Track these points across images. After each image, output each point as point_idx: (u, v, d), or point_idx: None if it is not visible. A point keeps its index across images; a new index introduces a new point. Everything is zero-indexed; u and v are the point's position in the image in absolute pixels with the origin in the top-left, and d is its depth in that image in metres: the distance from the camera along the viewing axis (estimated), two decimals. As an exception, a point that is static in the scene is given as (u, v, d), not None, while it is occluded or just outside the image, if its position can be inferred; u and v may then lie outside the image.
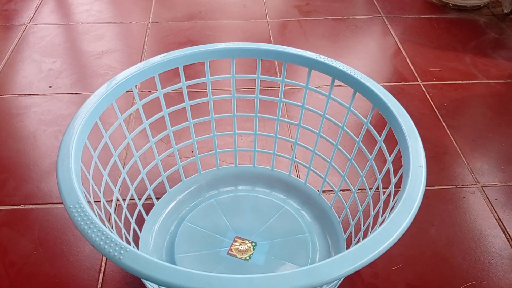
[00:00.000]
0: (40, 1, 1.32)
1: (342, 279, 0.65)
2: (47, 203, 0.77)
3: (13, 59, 1.10)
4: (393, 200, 0.54)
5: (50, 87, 1.02)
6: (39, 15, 1.27)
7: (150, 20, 1.26)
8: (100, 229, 0.42)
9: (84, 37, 1.19)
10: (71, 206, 0.45)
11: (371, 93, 0.59)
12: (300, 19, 1.28)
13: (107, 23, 1.25)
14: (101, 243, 0.41)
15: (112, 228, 0.59)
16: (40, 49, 1.14)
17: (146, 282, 0.61)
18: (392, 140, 0.56)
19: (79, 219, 0.44)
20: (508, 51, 1.17)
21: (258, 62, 0.68)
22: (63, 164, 0.49)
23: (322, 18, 1.29)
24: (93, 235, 0.42)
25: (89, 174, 0.54)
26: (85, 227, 0.43)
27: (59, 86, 1.02)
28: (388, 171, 0.58)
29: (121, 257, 0.40)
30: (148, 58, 1.10)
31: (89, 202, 0.47)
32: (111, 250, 0.41)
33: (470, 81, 1.06)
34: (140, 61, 1.09)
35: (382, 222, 0.52)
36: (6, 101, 0.98)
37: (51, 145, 0.87)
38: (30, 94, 0.99)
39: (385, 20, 1.28)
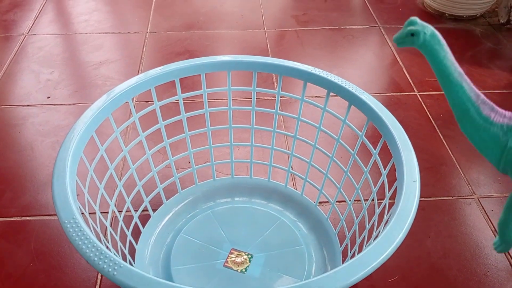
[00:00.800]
0: (39, 11, 1.33)
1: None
2: (44, 215, 0.77)
3: (11, 69, 1.10)
4: (387, 213, 0.54)
5: (48, 97, 1.02)
6: (37, 25, 1.27)
7: (148, 30, 1.27)
8: (95, 244, 0.43)
9: (82, 47, 1.20)
10: (66, 221, 0.45)
11: (365, 106, 0.60)
12: (297, 29, 1.29)
13: (106, 33, 1.26)
14: (95, 258, 0.42)
15: (108, 241, 0.59)
16: (38, 60, 1.14)
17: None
18: (387, 152, 0.56)
19: (73, 234, 0.44)
20: (504, 61, 1.18)
21: (254, 75, 0.68)
22: (59, 179, 0.49)
23: (319, 28, 1.29)
24: (87, 251, 0.42)
25: (84, 188, 0.54)
26: (80, 242, 0.43)
27: (56, 96, 1.02)
28: (383, 184, 0.58)
29: (115, 273, 0.40)
30: (146, 68, 1.11)
31: (83, 214, 0.48)
32: (105, 266, 0.41)
33: (466, 91, 1.06)
34: (138, 71, 1.10)
35: (377, 236, 0.52)
36: (4, 112, 0.98)
37: (48, 156, 0.87)
38: (28, 105, 1.00)
39: (382, 30, 1.29)
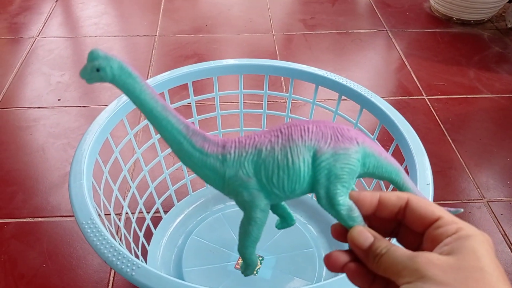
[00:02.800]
0: (48, 15, 1.34)
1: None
2: (56, 216, 0.77)
3: (22, 72, 1.11)
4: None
5: (59, 100, 1.03)
6: (47, 28, 1.29)
7: (157, 34, 1.28)
8: (112, 245, 0.43)
9: (92, 50, 1.21)
10: (84, 222, 0.45)
11: (377, 110, 0.60)
12: (305, 32, 1.30)
13: (115, 36, 1.27)
14: (113, 259, 0.42)
15: (121, 242, 0.60)
16: (48, 62, 1.15)
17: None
18: (399, 155, 0.56)
19: (91, 235, 0.44)
20: (511, 65, 1.18)
21: (266, 78, 0.69)
22: (76, 180, 0.50)
23: (327, 32, 1.30)
24: (105, 251, 0.43)
25: (100, 189, 0.55)
26: (98, 243, 0.44)
27: (67, 99, 1.03)
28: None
29: (133, 273, 0.41)
30: (155, 71, 1.12)
31: (99, 215, 0.48)
32: (123, 266, 0.41)
33: (475, 96, 1.07)
34: (148, 74, 1.11)
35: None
36: (16, 114, 0.99)
37: (60, 158, 0.88)
38: (39, 107, 1.01)
39: (390, 34, 1.29)
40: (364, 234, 0.28)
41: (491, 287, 0.23)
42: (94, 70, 0.29)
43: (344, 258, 0.28)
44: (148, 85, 0.31)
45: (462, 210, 0.35)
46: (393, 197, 0.28)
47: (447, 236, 0.25)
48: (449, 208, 0.33)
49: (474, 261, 0.23)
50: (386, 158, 0.32)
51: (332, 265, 0.29)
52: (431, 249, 0.25)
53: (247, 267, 0.36)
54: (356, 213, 0.29)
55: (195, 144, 0.32)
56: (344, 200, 0.29)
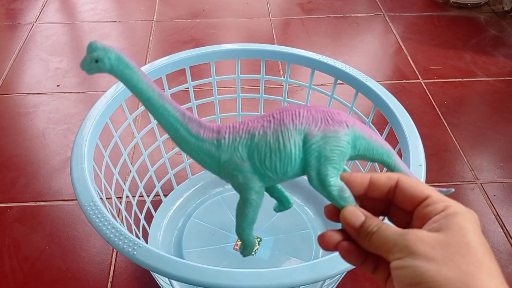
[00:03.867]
0: (45, 0, 1.34)
1: (344, 273, 0.67)
2: (57, 200, 0.79)
3: (20, 58, 1.12)
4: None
5: (58, 85, 1.04)
6: (45, 14, 1.29)
7: (154, 19, 1.28)
8: (114, 226, 0.45)
9: (89, 36, 1.21)
10: (86, 204, 0.47)
11: (373, 94, 0.61)
12: (302, 17, 1.30)
13: (112, 21, 1.27)
14: (116, 239, 0.44)
15: (123, 224, 0.61)
16: (47, 48, 1.16)
17: (157, 276, 0.64)
18: (394, 138, 0.58)
19: (93, 216, 0.46)
20: (508, 48, 1.18)
21: (263, 63, 0.69)
22: (77, 164, 0.51)
23: (324, 16, 1.30)
24: (107, 232, 0.44)
25: (101, 173, 0.56)
26: (100, 224, 0.45)
27: (66, 84, 1.04)
28: (389, 169, 0.60)
29: (135, 252, 0.42)
30: (153, 56, 1.13)
31: (101, 198, 0.50)
32: (125, 246, 0.43)
33: (470, 79, 1.08)
34: (146, 60, 1.12)
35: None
36: (15, 100, 1.00)
37: (60, 143, 0.89)
38: (38, 93, 1.01)
39: (387, 18, 1.30)
40: (356, 213, 0.29)
41: (477, 261, 0.24)
42: (93, 61, 0.30)
43: (337, 237, 0.29)
44: (144, 74, 0.32)
45: (453, 190, 0.36)
46: (384, 178, 0.29)
47: (435, 214, 0.26)
48: (441, 188, 0.35)
49: (461, 237, 0.24)
50: (377, 141, 0.33)
51: (325, 244, 0.30)
52: (420, 227, 0.26)
53: (245, 248, 0.38)
54: (347, 194, 0.30)
55: (191, 131, 0.33)
56: (335, 181, 0.30)
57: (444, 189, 0.35)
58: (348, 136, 0.32)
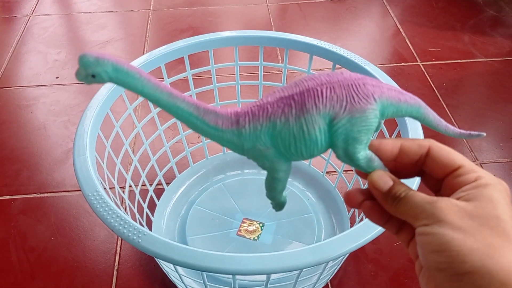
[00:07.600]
0: (41, -8, 1.34)
1: (346, 255, 0.68)
2: (61, 191, 0.80)
3: (18, 51, 1.12)
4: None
5: (57, 77, 1.04)
6: (41, 6, 1.28)
7: (151, 8, 1.27)
8: (119, 215, 0.45)
9: (86, 27, 1.21)
10: (90, 194, 0.47)
11: (371, 77, 0.61)
12: (299, 2, 1.29)
13: (109, 12, 1.26)
14: (120, 228, 0.44)
15: (126, 213, 0.62)
16: (44, 40, 1.15)
17: (162, 263, 0.64)
18: (393, 121, 0.58)
19: (97, 206, 0.46)
20: (506, 28, 1.18)
21: (261, 50, 0.70)
22: (79, 155, 0.51)
23: (322, 0, 1.30)
24: (112, 221, 0.45)
25: (103, 163, 0.57)
26: (104, 213, 0.46)
27: (65, 76, 1.04)
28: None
29: (140, 240, 0.43)
30: (151, 46, 1.13)
31: (104, 189, 0.50)
32: (130, 234, 0.44)
33: (469, 60, 1.08)
34: (144, 49, 1.11)
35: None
36: (15, 93, 1.00)
37: (62, 135, 0.90)
38: (37, 86, 1.02)
39: (384, 1, 1.29)
40: (384, 178, 0.29)
41: (504, 235, 0.23)
42: (89, 77, 0.29)
43: (361, 196, 0.30)
44: (149, 77, 0.30)
45: (484, 134, 0.34)
46: (415, 146, 0.28)
47: (466, 184, 0.26)
48: (472, 132, 0.34)
49: (491, 209, 0.24)
50: (405, 101, 0.32)
51: (350, 201, 0.30)
52: (449, 196, 0.26)
53: (277, 206, 0.38)
54: (376, 162, 0.30)
55: (209, 123, 0.32)
56: (363, 155, 0.30)
57: (474, 133, 0.35)
58: (376, 110, 0.30)
